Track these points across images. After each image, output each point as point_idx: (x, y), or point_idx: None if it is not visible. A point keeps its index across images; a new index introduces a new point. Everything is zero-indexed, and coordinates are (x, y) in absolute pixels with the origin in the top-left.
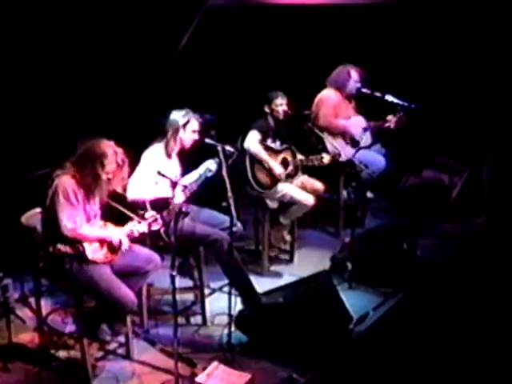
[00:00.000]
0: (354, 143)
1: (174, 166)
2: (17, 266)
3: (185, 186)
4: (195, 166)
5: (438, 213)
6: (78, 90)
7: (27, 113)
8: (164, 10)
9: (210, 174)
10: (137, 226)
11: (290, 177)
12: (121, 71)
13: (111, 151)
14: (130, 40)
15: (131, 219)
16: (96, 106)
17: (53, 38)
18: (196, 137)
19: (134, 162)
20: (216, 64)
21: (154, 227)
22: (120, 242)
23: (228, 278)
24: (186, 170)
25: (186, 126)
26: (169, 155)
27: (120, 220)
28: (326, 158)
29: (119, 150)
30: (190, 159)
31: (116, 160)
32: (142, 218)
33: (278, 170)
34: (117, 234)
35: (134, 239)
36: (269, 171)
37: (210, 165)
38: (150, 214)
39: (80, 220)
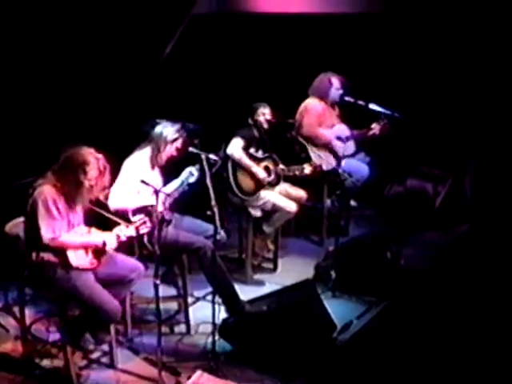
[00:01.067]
0: (337, 155)
1: (156, 176)
2: (0, 275)
3: (167, 194)
4: (177, 175)
5: (422, 221)
6: (62, 98)
7: (12, 121)
8: (148, 19)
9: (191, 181)
10: (124, 231)
11: (271, 185)
12: (104, 79)
13: (92, 158)
14: (114, 48)
15: (118, 224)
16: (80, 114)
17: (39, 47)
18: (175, 154)
19: (117, 170)
20: (199, 73)
21: (143, 230)
22: (104, 243)
23: (211, 285)
24: (167, 179)
25: (174, 142)
26: (153, 166)
27: (106, 226)
28: (308, 169)
29: (100, 157)
30: (171, 168)
31: (98, 167)
32: (129, 222)
33: (262, 174)
34: (101, 237)
35: (121, 244)
36: (252, 176)
37: (192, 170)
38: (138, 217)
39: (59, 229)
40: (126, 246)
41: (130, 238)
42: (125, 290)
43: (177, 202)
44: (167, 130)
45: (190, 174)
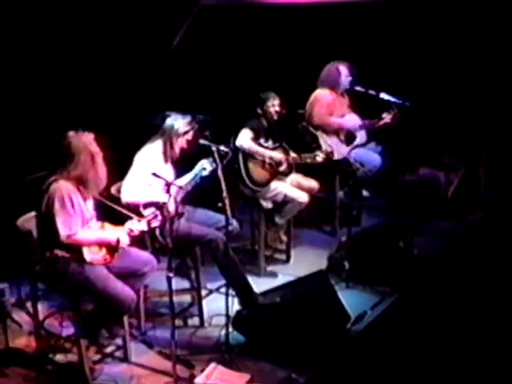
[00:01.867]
0: (349, 141)
1: (168, 169)
2: (13, 270)
3: (180, 187)
4: (189, 168)
5: (435, 210)
6: (72, 92)
7: (24, 115)
8: (156, 11)
9: (204, 174)
10: (136, 225)
11: (283, 175)
12: (113, 73)
13: (90, 135)
14: (122, 40)
15: (130, 218)
16: (90, 108)
17: (47, 38)
18: (186, 146)
19: (128, 163)
20: (208, 64)
21: (154, 224)
22: (118, 240)
23: (224, 277)
24: (179, 172)
25: (186, 134)
26: (166, 159)
27: (118, 220)
28: (320, 156)
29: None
30: (183, 161)
31: (97, 144)
32: (141, 215)
33: (278, 155)
34: (115, 234)
35: (134, 238)
36: (265, 165)
37: (205, 164)
38: (149, 210)
39: (75, 226)
40: (138, 240)
41: (141, 232)
42: (138, 283)
43: (189, 194)
44: (178, 122)
45: (202, 167)
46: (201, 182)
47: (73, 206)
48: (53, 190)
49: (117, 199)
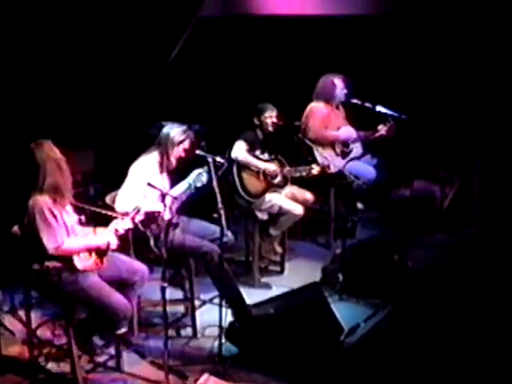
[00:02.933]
0: (345, 154)
1: (164, 180)
2: (7, 277)
3: (175, 198)
4: (183, 177)
5: (429, 224)
6: (69, 101)
7: (19, 121)
8: (155, 22)
9: (199, 184)
10: (120, 224)
11: (278, 187)
12: (110, 83)
13: (48, 143)
14: (120, 51)
15: (114, 218)
16: (87, 117)
17: (45, 46)
18: (183, 155)
19: (126, 173)
20: (205, 75)
21: (138, 218)
22: (108, 244)
23: (218, 290)
24: (175, 182)
25: (181, 143)
26: (162, 170)
27: (107, 223)
28: (315, 169)
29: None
30: (178, 172)
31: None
32: (124, 213)
33: (272, 167)
34: (102, 237)
35: (121, 238)
36: (259, 176)
37: (200, 174)
38: (132, 208)
39: (61, 237)
40: (128, 248)
41: (127, 231)
42: (131, 293)
43: (184, 204)
44: (174, 131)
45: (197, 176)
46: (196, 192)
47: (54, 217)
48: (32, 207)
49: (108, 208)
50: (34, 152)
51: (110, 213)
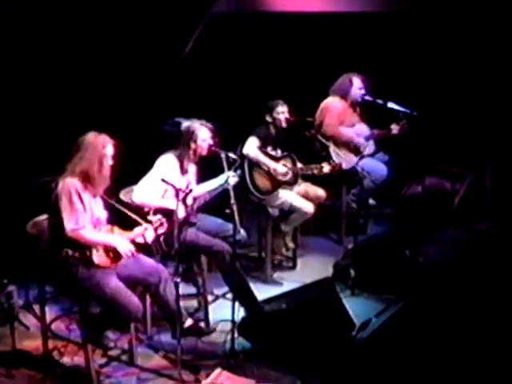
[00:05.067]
0: (358, 152)
1: (185, 179)
2: (21, 272)
3: (194, 198)
4: (208, 174)
5: (441, 219)
6: (81, 97)
7: (30, 120)
8: (168, 18)
9: (227, 186)
10: (144, 232)
11: (289, 184)
12: (123, 78)
13: (104, 136)
14: (134, 46)
15: (137, 223)
16: (100, 113)
17: (57, 44)
18: (205, 151)
19: (139, 168)
20: (218, 72)
21: (160, 231)
22: (126, 248)
23: (230, 288)
24: (200, 179)
25: (204, 138)
26: (183, 167)
27: (126, 224)
28: (326, 168)
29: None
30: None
31: (112, 144)
32: (149, 222)
33: (282, 169)
34: (122, 240)
35: (140, 246)
36: (269, 174)
37: (232, 177)
38: (156, 218)
39: (83, 221)
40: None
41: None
42: (147, 293)
43: (206, 203)
44: (196, 126)
45: (227, 178)
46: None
47: (81, 201)
48: (60, 187)
49: (124, 203)
50: (85, 137)
51: (135, 217)
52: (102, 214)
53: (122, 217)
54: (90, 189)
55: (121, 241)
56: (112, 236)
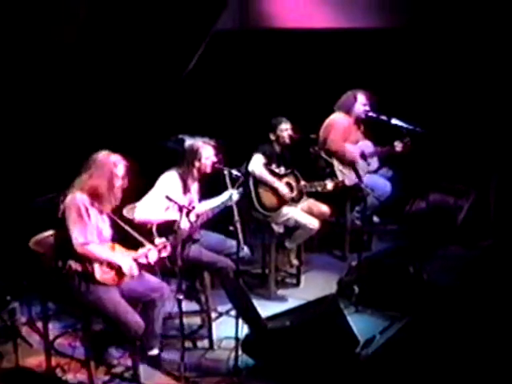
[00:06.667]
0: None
1: (188, 197)
2: (24, 289)
3: (197, 215)
4: (210, 191)
5: (445, 236)
6: (82, 113)
7: (34, 136)
8: (171, 34)
9: (230, 203)
10: (147, 253)
11: (294, 201)
12: (127, 95)
13: (117, 157)
14: (137, 63)
15: (141, 243)
16: (103, 130)
17: (62, 60)
18: (209, 169)
19: (141, 186)
20: (221, 88)
21: (163, 254)
22: (130, 269)
23: (233, 305)
24: (202, 197)
25: (207, 156)
26: (186, 185)
27: (129, 243)
28: (330, 185)
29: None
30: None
31: (124, 164)
32: (153, 243)
33: (284, 189)
34: (128, 260)
35: (143, 266)
36: (274, 192)
37: (232, 195)
38: (160, 240)
39: (91, 236)
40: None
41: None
42: (149, 311)
43: (208, 220)
44: (199, 144)
45: (230, 196)
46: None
47: (89, 216)
48: (69, 201)
49: (128, 221)
50: (98, 155)
51: (140, 238)
52: (107, 232)
53: (126, 236)
54: (97, 206)
55: (126, 261)
56: (119, 255)
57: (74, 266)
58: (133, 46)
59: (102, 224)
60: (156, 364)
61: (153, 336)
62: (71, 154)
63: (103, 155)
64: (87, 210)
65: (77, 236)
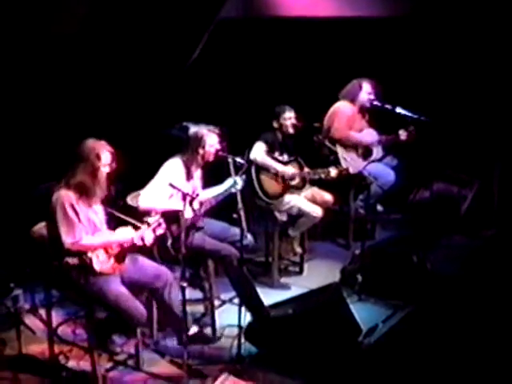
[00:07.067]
0: (367, 155)
1: (191, 184)
2: (28, 276)
3: (201, 203)
4: (215, 179)
5: (449, 226)
6: (87, 102)
7: (36, 124)
8: (176, 23)
9: (233, 191)
10: (143, 233)
11: (297, 189)
12: (132, 84)
13: (100, 144)
14: (142, 52)
15: (136, 227)
16: (105, 117)
17: (64, 50)
18: (212, 157)
19: (146, 173)
20: (226, 77)
21: (158, 232)
22: (140, 237)
23: (237, 293)
24: (206, 185)
25: (212, 143)
26: (189, 173)
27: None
28: (333, 172)
29: (105, 143)
30: (210, 173)
31: (109, 151)
32: (147, 224)
33: (290, 170)
34: (126, 232)
35: (141, 249)
36: (277, 179)
37: (235, 182)
38: (154, 219)
39: (79, 233)
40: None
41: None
42: (153, 298)
43: (212, 208)
44: (204, 131)
45: (233, 185)
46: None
47: (76, 212)
48: (55, 200)
49: (129, 208)
50: (81, 147)
51: (133, 221)
52: (101, 221)
53: (122, 223)
54: (85, 199)
55: (124, 232)
56: (111, 234)
57: (71, 261)
58: (137, 35)
59: (93, 216)
60: (202, 340)
61: (178, 320)
62: (74, 141)
63: (86, 146)
64: (73, 207)
65: (65, 237)
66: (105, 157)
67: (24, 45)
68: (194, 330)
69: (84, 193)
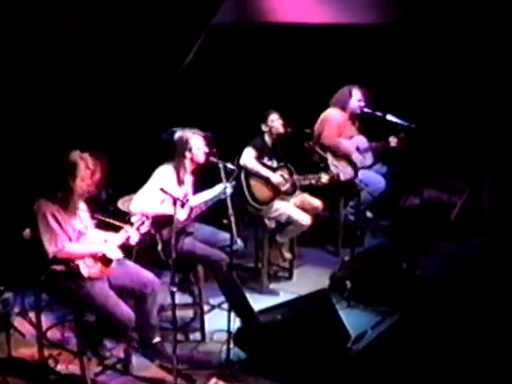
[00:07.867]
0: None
1: (182, 189)
2: (18, 279)
3: (191, 208)
4: (205, 185)
5: (438, 232)
6: (81, 107)
7: (30, 127)
8: (169, 28)
9: (223, 197)
10: (128, 233)
11: (287, 194)
12: (125, 88)
13: (79, 160)
14: (135, 57)
15: (120, 228)
16: (100, 123)
17: (61, 52)
18: (202, 159)
19: (137, 178)
20: (218, 81)
21: (143, 230)
22: (114, 252)
23: (226, 298)
24: (196, 190)
25: (198, 146)
26: (180, 178)
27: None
28: (324, 178)
29: (86, 156)
30: (200, 178)
31: (87, 166)
32: (130, 223)
33: (276, 178)
34: (108, 246)
35: (129, 247)
36: (267, 185)
37: (226, 188)
38: (136, 217)
39: (62, 241)
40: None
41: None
42: (142, 304)
43: (201, 213)
44: (188, 135)
45: (222, 191)
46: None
47: (57, 221)
48: (36, 210)
49: (120, 212)
50: (62, 160)
51: (116, 222)
52: (86, 226)
53: (108, 227)
54: (66, 209)
55: (106, 246)
56: (97, 244)
57: (58, 268)
58: (131, 39)
59: (78, 224)
60: (157, 352)
61: (149, 328)
62: (67, 145)
63: (65, 161)
64: (55, 216)
65: (48, 246)
66: (82, 174)
67: (24, 45)
68: (157, 339)
69: (64, 204)
